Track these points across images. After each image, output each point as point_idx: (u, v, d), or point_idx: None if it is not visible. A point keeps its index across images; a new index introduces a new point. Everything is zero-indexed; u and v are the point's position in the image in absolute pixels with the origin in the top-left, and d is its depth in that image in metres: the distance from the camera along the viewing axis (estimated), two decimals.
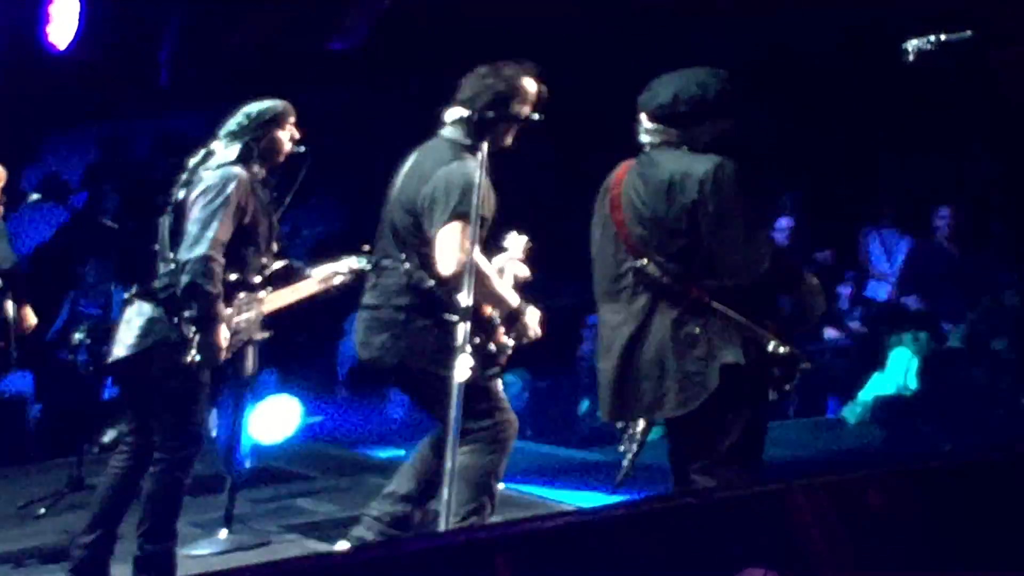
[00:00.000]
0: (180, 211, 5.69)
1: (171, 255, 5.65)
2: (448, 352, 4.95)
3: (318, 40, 9.62)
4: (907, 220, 8.74)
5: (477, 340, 5.28)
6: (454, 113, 5.46)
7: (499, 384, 5.55)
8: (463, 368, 4.66)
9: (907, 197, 8.63)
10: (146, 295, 5.66)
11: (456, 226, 5.20)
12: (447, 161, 5.38)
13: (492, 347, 5.45)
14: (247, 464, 7.29)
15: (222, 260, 5.56)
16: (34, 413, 9.60)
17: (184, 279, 5.49)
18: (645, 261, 4.95)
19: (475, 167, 5.15)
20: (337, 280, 6.18)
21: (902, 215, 8.77)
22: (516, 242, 5.82)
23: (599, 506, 6.33)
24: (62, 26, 9.69)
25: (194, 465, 5.80)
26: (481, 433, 5.43)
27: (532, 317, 5.60)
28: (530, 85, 5.51)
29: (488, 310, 5.47)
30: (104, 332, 8.80)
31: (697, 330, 4.90)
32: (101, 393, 9.25)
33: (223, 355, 5.63)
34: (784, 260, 5.05)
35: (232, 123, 5.79)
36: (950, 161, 7.61)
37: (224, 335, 5.60)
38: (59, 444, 8.48)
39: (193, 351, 5.51)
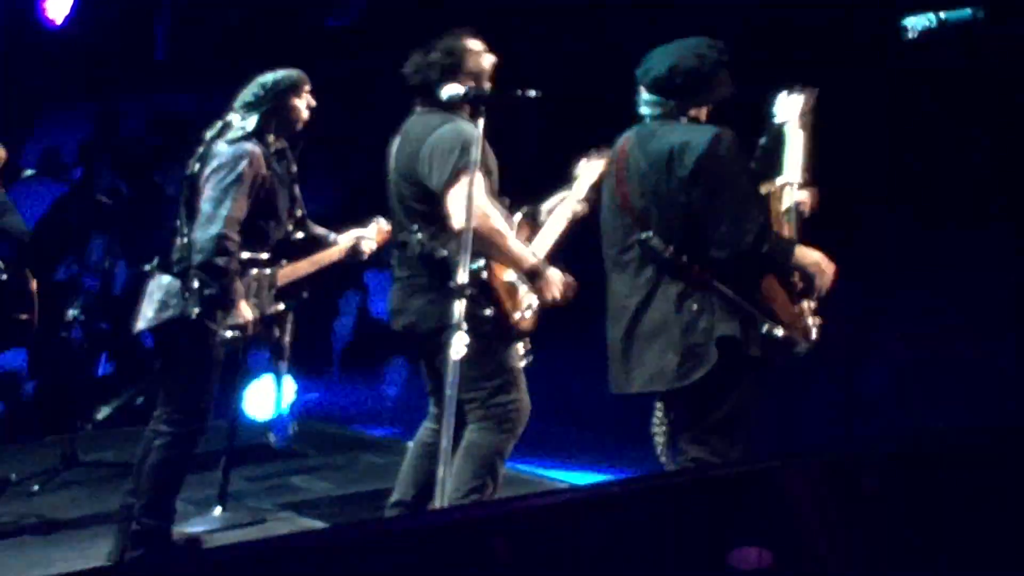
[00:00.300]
0: (194, 185, 5.68)
1: (186, 229, 5.66)
2: (480, 320, 5.06)
3: (314, 16, 9.60)
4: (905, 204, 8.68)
5: (489, 312, 5.28)
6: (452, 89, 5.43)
7: (518, 361, 5.51)
8: (459, 346, 4.64)
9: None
10: (166, 268, 5.68)
11: (463, 182, 5.13)
12: (437, 125, 5.38)
13: (514, 315, 5.40)
14: (290, 431, 7.29)
15: (237, 238, 5.56)
16: (28, 389, 9.59)
17: (198, 258, 5.50)
18: (650, 234, 4.97)
19: (467, 125, 5.17)
20: (365, 245, 6.18)
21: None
22: (588, 172, 5.76)
23: (593, 484, 6.35)
24: (59, 1, 9.67)
25: (198, 442, 5.82)
26: (493, 410, 5.39)
27: (553, 279, 5.48)
28: (474, 45, 5.48)
29: (505, 279, 5.43)
30: (99, 308, 8.84)
31: (695, 306, 4.93)
32: (96, 370, 9.25)
33: (251, 329, 5.65)
34: (775, 236, 5.03)
35: (247, 94, 5.76)
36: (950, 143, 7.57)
37: (246, 311, 5.62)
38: (53, 421, 8.47)
39: (217, 327, 5.54)
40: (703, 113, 5.12)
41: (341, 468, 8.06)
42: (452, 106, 5.32)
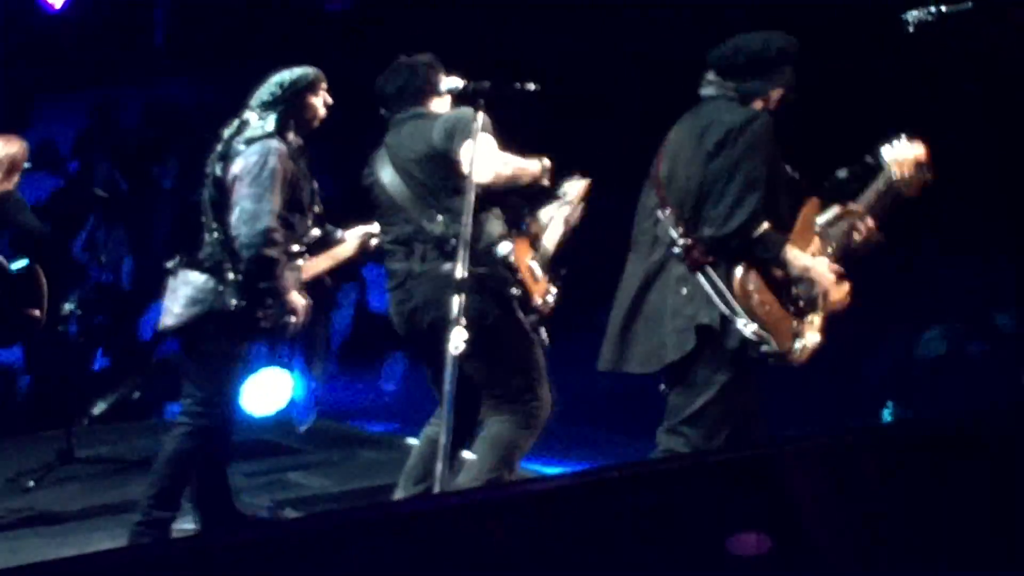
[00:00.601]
0: (221, 186, 5.70)
1: (215, 226, 5.69)
2: (508, 299, 5.21)
3: (313, 1, 9.56)
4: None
5: (516, 291, 5.28)
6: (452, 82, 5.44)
7: (543, 358, 5.47)
8: (457, 341, 4.62)
9: None
10: (192, 265, 5.71)
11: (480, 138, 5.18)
12: (433, 118, 5.52)
13: (536, 299, 5.38)
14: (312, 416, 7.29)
15: (282, 230, 5.62)
16: (24, 384, 9.56)
17: (248, 252, 5.55)
18: (668, 212, 4.97)
19: (467, 110, 5.24)
20: (372, 241, 6.18)
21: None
22: (574, 187, 5.83)
23: (592, 468, 6.31)
24: None
25: (219, 435, 5.86)
26: (518, 407, 5.37)
27: (575, 186, 5.66)
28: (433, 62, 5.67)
29: (528, 262, 5.42)
30: (96, 302, 8.82)
31: (685, 290, 4.93)
32: (92, 364, 9.22)
33: (307, 313, 5.76)
34: (769, 228, 4.98)
35: (264, 93, 5.77)
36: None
37: (299, 299, 5.73)
38: (49, 416, 8.43)
39: (261, 319, 5.63)
40: (759, 105, 5.10)
41: (339, 464, 8.03)
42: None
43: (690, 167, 4.98)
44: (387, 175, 5.58)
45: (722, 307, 4.89)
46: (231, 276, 5.59)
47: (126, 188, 10.03)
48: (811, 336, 5.08)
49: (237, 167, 5.64)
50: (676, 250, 4.97)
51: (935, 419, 4.39)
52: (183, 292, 5.68)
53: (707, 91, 5.14)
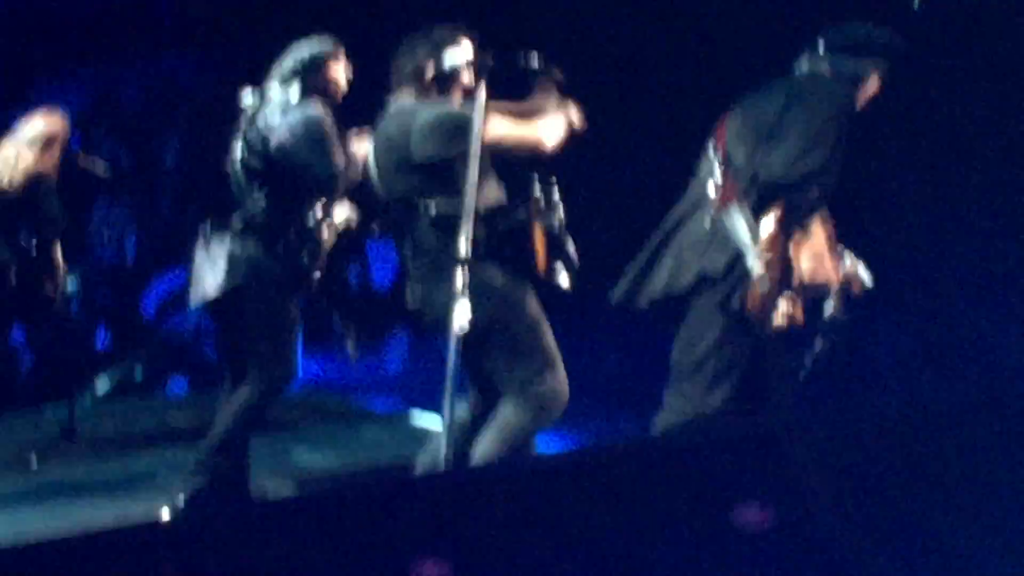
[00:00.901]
0: (259, 153, 5.66)
1: (257, 194, 5.69)
2: (517, 288, 4.99)
3: None
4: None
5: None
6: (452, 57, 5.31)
7: (555, 347, 5.24)
8: (462, 316, 4.56)
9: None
10: (228, 232, 5.71)
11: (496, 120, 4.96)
12: (415, 108, 5.19)
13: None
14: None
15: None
16: (26, 361, 9.55)
17: (332, 195, 5.70)
18: (720, 151, 4.97)
19: (453, 109, 5.08)
20: (354, 218, 6.17)
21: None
22: None
23: (593, 444, 6.31)
24: None
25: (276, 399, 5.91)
26: (526, 392, 5.12)
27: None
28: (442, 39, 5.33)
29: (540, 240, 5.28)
30: (98, 279, 8.81)
31: (707, 224, 4.93)
32: (94, 342, 9.22)
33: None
34: (815, 195, 4.96)
35: (284, 65, 5.73)
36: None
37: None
38: (51, 393, 8.44)
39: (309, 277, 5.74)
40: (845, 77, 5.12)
41: (344, 440, 8.00)
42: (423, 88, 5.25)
43: (760, 116, 4.99)
44: (372, 169, 5.36)
45: (741, 239, 4.86)
46: (286, 238, 5.63)
47: (129, 165, 10.02)
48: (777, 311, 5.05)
49: (282, 135, 5.61)
50: (711, 187, 4.96)
51: (939, 395, 4.39)
52: (222, 261, 5.67)
53: (800, 69, 5.17)
